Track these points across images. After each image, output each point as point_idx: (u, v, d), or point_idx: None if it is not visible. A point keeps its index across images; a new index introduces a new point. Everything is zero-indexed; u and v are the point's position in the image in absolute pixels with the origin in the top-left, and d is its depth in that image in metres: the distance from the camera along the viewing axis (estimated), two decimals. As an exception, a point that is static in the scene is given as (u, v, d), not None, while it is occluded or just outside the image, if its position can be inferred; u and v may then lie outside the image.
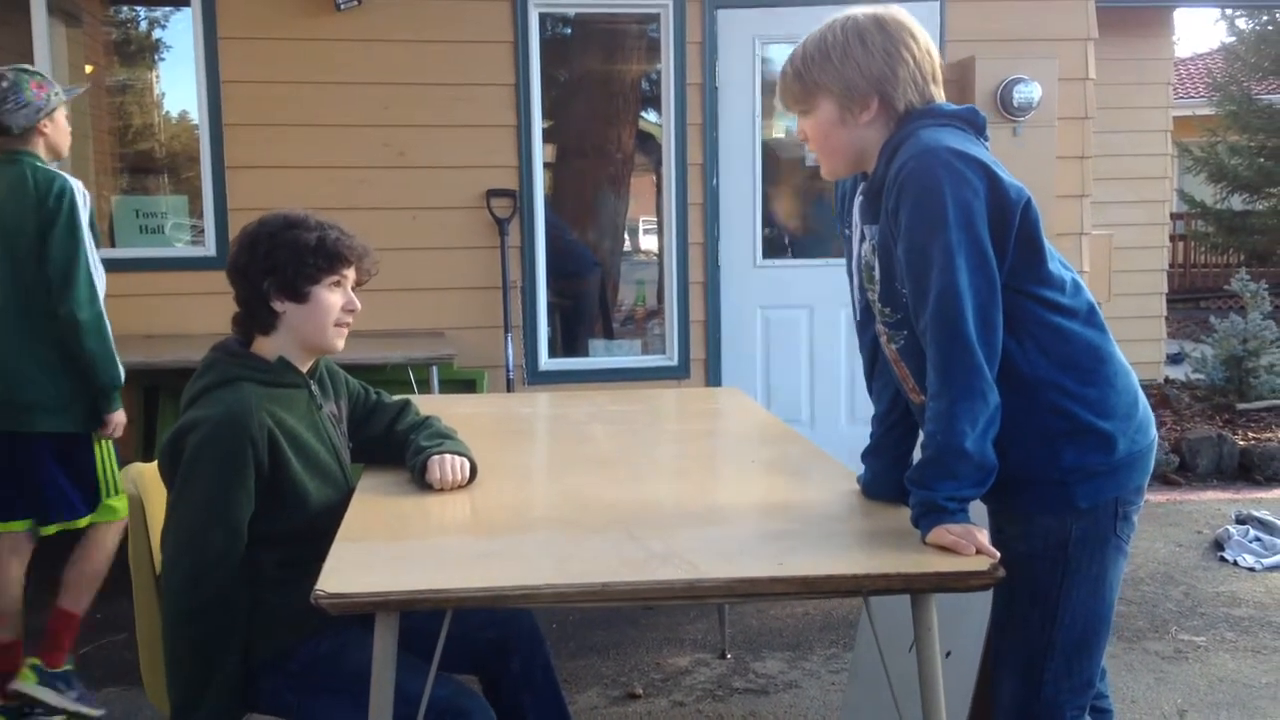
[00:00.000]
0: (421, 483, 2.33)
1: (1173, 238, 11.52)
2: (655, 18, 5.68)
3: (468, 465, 2.36)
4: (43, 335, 3.16)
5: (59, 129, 3.31)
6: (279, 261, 2.19)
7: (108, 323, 3.22)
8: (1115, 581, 1.98)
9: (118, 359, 3.25)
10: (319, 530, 2.13)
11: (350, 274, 2.29)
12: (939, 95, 1.98)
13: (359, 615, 1.75)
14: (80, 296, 3.13)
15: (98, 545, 3.33)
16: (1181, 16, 11.92)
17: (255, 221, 2.28)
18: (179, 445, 2.08)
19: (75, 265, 3.13)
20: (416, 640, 2.11)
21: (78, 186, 3.20)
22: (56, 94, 3.28)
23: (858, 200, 2.06)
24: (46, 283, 3.13)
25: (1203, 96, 15.41)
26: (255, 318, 2.24)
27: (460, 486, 2.32)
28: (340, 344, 2.31)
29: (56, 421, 3.20)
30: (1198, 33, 41.41)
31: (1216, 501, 5.61)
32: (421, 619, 2.04)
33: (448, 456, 2.34)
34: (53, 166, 3.26)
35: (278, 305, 2.22)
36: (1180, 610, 4.08)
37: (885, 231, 1.95)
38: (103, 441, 3.33)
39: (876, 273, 2.01)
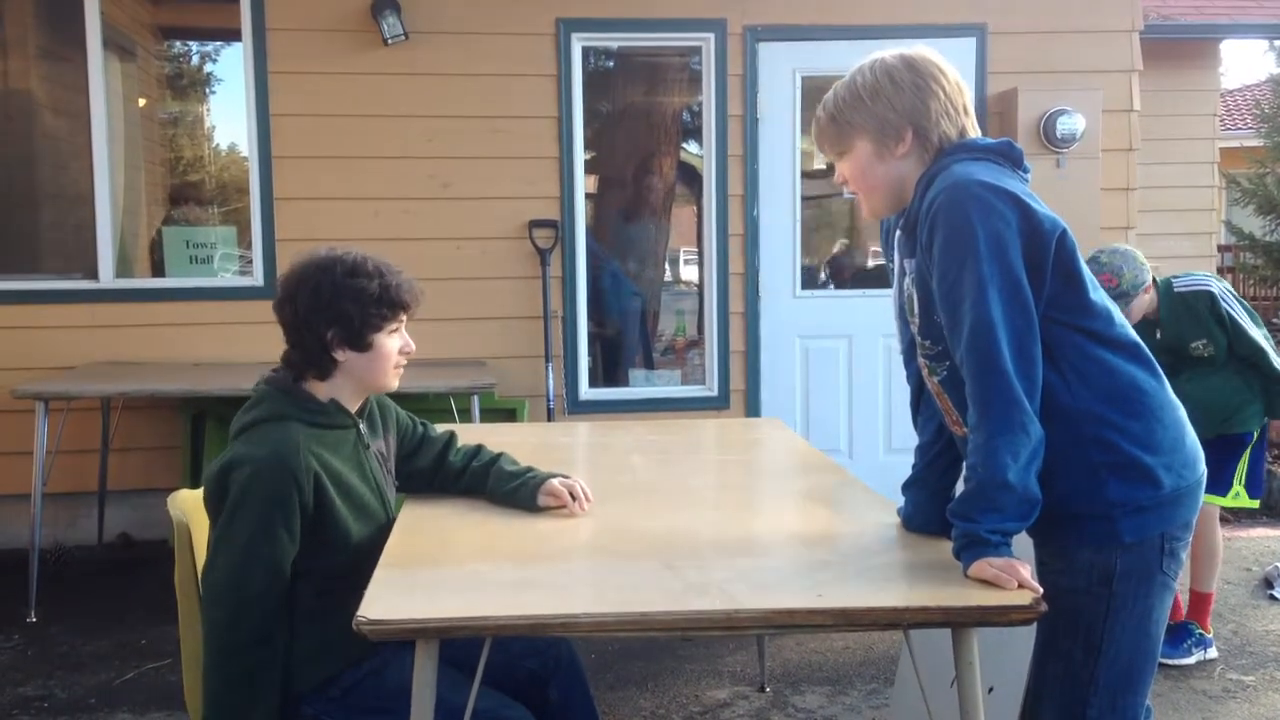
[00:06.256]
0: (533, 506, 2.36)
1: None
2: (697, 50, 5.73)
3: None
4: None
5: None
6: (343, 312, 2.17)
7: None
8: (1161, 619, 1.95)
9: None
10: (357, 566, 2.15)
11: (405, 317, 2.30)
12: (972, 128, 1.99)
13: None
14: None
15: (1206, 522, 3.85)
16: (1229, 48, 11.80)
17: (311, 265, 2.21)
18: (225, 481, 2.08)
19: None
20: (459, 658, 2.12)
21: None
22: None
23: (897, 234, 2.07)
24: None
25: (1251, 128, 15.19)
26: (313, 365, 2.22)
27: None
28: (396, 384, 2.32)
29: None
30: (1245, 64, 41.06)
31: (1265, 539, 5.50)
32: (462, 644, 2.05)
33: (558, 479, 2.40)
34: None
35: (339, 355, 2.20)
36: (1229, 648, 4.00)
37: (922, 265, 1.95)
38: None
39: (916, 305, 2.01)
